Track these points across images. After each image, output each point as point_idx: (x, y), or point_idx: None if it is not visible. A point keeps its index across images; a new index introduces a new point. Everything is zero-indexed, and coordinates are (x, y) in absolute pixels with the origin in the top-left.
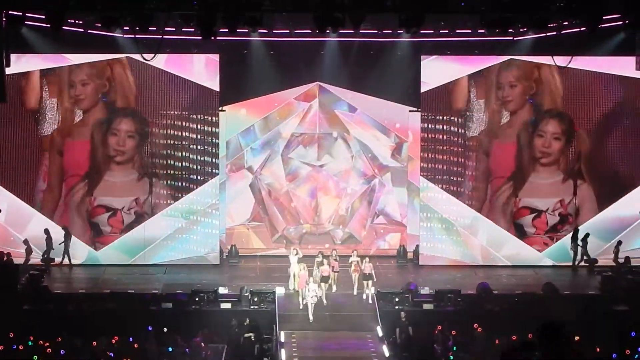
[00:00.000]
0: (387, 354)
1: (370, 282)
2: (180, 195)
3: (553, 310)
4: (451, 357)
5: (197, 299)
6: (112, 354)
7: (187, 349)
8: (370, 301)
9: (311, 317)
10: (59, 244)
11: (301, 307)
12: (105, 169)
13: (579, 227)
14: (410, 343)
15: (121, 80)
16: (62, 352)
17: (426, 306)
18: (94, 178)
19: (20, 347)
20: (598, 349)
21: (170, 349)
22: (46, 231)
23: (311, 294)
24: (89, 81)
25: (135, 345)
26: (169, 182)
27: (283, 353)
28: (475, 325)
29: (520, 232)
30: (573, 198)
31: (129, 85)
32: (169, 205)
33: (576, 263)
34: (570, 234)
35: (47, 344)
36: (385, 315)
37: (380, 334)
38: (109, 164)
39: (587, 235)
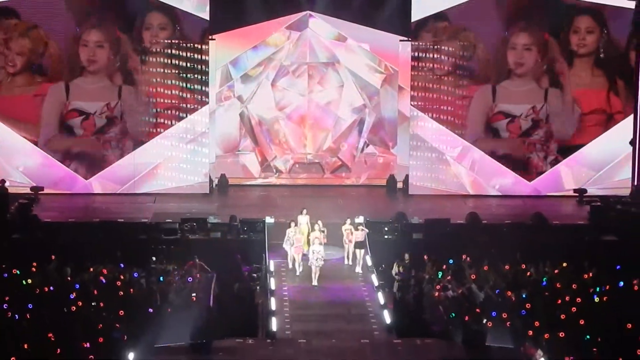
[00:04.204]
0: (376, 283)
1: (362, 252)
2: (170, 123)
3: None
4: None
5: (186, 228)
6: (104, 281)
7: (177, 277)
8: (361, 271)
9: (315, 282)
10: None
11: (297, 273)
12: (77, 76)
13: None
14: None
15: None
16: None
17: (415, 235)
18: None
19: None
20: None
21: (161, 279)
22: (1, 181)
23: (316, 256)
24: None
25: (125, 274)
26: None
27: (272, 282)
28: (464, 256)
29: (495, 135)
30: (544, 104)
31: None
32: (158, 133)
33: None
34: None
35: (37, 265)
36: (374, 245)
37: (370, 263)
38: (81, 72)
39: None
